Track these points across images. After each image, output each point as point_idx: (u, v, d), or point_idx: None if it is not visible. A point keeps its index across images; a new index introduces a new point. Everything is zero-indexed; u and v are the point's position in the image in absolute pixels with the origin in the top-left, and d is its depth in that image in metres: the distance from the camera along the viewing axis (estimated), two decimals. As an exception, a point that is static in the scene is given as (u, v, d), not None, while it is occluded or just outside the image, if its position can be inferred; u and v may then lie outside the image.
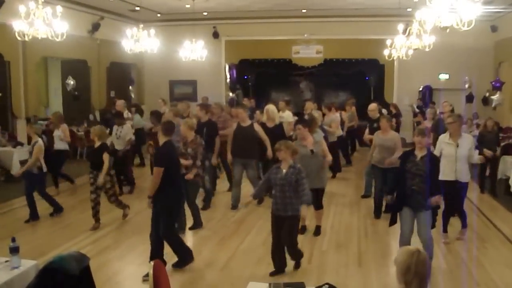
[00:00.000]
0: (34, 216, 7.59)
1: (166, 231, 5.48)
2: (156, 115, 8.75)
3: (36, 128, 8.07)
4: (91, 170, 7.32)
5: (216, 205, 8.55)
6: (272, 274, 5.43)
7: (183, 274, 5.50)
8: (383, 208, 7.72)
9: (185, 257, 5.70)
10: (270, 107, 8.99)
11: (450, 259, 6.00)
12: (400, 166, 5.47)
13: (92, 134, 7.50)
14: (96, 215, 7.33)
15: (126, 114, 11.36)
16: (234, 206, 8.30)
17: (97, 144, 7.28)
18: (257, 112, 10.37)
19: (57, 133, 9.19)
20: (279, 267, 5.48)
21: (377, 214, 7.82)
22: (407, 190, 5.28)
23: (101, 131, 7.40)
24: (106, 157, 7.13)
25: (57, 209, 7.93)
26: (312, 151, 6.39)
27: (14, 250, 3.91)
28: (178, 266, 5.66)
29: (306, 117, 8.23)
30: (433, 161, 5.33)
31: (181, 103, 10.49)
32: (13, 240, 3.97)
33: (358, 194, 9.29)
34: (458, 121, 6.51)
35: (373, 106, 9.29)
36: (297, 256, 5.58)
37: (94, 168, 7.25)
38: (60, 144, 9.19)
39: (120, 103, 11.18)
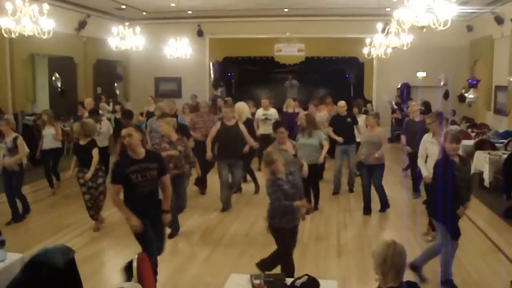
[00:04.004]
0: (15, 216, 7.33)
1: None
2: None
3: (13, 124, 7.78)
4: (80, 169, 6.89)
5: (199, 199, 8.70)
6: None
7: (166, 267, 5.52)
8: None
9: None
10: (240, 104, 9.18)
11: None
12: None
13: (83, 130, 7.01)
14: (95, 215, 6.96)
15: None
16: (225, 208, 7.99)
17: (85, 140, 6.95)
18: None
19: (49, 131, 8.83)
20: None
21: (367, 210, 7.87)
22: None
23: (92, 127, 7.18)
24: (95, 152, 6.85)
25: (16, 217, 7.35)
26: (295, 155, 6.33)
27: (0, 244, 3.93)
28: None
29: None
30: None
31: (166, 101, 10.56)
32: (-1, 233, 3.98)
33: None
34: (437, 120, 6.73)
35: (342, 103, 9.33)
36: None
37: (84, 165, 6.85)
38: (53, 143, 8.89)
39: (88, 101, 10.79)
